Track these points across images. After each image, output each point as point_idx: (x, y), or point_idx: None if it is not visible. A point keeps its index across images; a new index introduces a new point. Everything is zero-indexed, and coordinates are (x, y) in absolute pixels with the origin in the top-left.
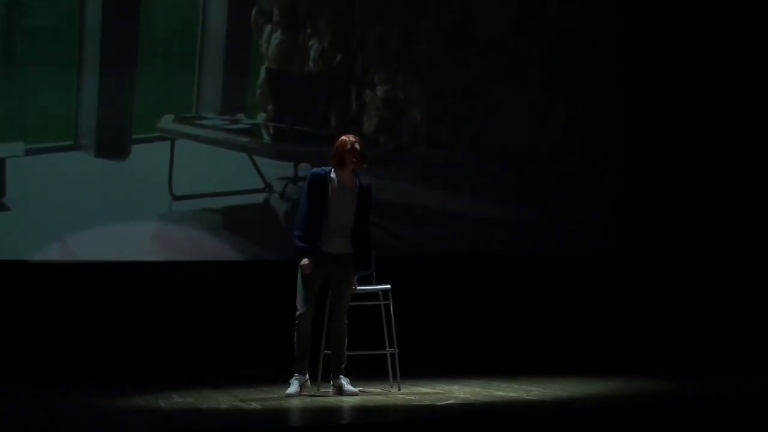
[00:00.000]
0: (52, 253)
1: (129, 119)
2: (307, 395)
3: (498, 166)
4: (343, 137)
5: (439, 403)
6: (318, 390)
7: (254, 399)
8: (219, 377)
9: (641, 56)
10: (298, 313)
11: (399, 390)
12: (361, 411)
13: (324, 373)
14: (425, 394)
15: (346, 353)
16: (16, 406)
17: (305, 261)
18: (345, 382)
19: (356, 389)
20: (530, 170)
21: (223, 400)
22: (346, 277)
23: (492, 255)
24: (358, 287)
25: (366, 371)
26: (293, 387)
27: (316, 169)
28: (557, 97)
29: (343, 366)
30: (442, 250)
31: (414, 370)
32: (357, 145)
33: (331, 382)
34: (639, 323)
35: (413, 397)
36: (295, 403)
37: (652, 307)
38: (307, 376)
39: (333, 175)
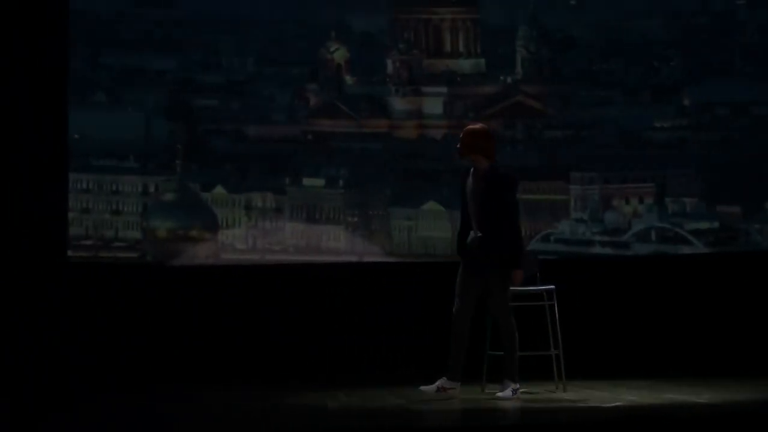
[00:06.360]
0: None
1: None
2: (447, 396)
3: None
4: (481, 124)
5: (605, 405)
6: (483, 390)
7: (421, 399)
8: (387, 377)
9: None
10: None
11: (564, 391)
12: (525, 412)
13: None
14: (591, 396)
15: (510, 355)
16: (192, 403)
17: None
18: (502, 387)
19: (504, 395)
20: None
21: (391, 399)
22: (487, 278)
23: (658, 255)
24: (521, 287)
25: (531, 372)
26: (435, 384)
27: (463, 170)
28: None
29: (506, 369)
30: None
31: (582, 372)
32: None
33: None
34: None
35: (578, 399)
36: (459, 404)
37: None
38: (450, 380)
39: (471, 172)
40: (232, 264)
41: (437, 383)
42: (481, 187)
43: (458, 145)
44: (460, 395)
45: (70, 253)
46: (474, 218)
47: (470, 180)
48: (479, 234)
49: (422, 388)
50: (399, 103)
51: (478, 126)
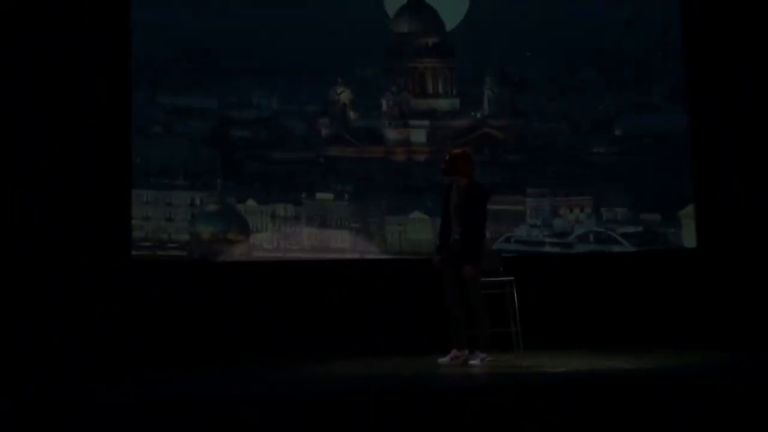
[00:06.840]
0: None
1: None
2: (454, 365)
3: None
4: (463, 149)
5: (554, 370)
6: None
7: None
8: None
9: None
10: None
11: (522, 360)
12: (491, 376)
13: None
14: (543, 363)
15: (483, 331)
16: (233, 377)
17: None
18: (473, 356)
19: (474, 362)
20: None
21: (379, 368)
22: (456, 268)
23: (595, 253)
24: (489, 278)
25: (496, 345)
26: (449, 355)
27: (446, 186)
28: None
29: (479, 342)
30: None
31: (536, 345)
32: None
33: None
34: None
35: (533, 365)
36: (438, 369)
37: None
38: (458, 350)
39: (453, 187)
40: (260, 261)
41: (450, 354)
42: (462, 200)
43: (444, 166)
44: (468, 360)
45: (133, 252)
46: (455, 224)
47: (453, 194)
48: (458, 236)
49: (440, 360)
50: (392, 134)
51: (459, 151)
